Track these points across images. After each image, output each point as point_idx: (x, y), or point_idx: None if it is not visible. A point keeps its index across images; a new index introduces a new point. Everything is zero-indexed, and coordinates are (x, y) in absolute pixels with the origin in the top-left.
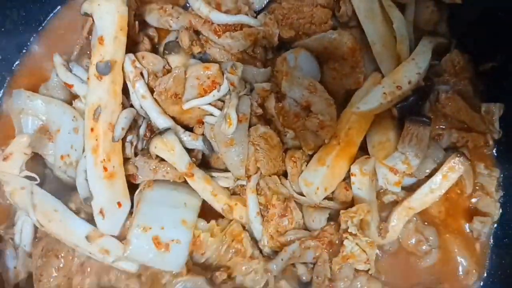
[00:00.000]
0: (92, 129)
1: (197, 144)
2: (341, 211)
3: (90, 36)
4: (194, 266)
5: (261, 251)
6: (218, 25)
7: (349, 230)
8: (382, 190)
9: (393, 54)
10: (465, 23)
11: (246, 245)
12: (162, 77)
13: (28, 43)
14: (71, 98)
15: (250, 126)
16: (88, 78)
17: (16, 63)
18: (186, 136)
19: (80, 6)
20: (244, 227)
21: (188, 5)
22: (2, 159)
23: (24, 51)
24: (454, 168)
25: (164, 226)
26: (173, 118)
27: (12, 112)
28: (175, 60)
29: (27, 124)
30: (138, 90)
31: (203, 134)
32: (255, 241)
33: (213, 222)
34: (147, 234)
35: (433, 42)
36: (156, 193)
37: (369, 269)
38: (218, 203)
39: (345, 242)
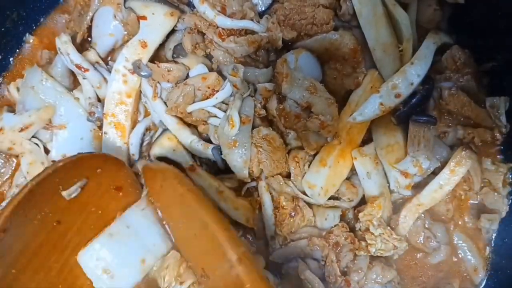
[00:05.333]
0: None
1: (207, 153)
2: (359, 215)
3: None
4: None
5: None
6: (223, 29)
7: (372, 232)
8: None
9: (394, 59)
10: (467, 22)
11: None
12: (172, 91)
13: (27, 43)
14: (73, 87)
15: (253, 128)
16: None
17: (14, 61)
18: (199, 146)
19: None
20: None
21: (191, 0)
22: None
23: (23, 50)
24: (461, 162)
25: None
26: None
27: (23, 86)
28: (184, 62)
29: (31, 103)
30: (158, 105)
31: (212, 143)
32: None
33: None
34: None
35: (437, 43)
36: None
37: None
38: (225, 203)
39: (370, 241)
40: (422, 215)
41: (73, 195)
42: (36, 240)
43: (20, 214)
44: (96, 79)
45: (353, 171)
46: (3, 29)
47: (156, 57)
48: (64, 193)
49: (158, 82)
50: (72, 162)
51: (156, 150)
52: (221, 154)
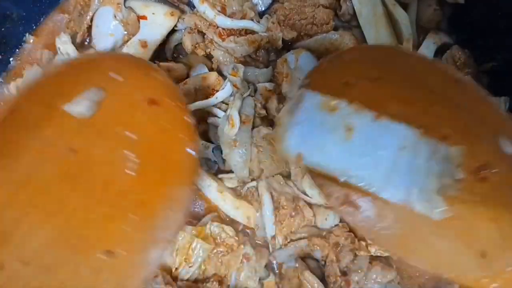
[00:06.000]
0: None
1: (207, 153)
2: None
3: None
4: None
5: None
6: (223, 28)
7: None
8: None
9: None
10: (467, 22)
11: (232, 240)
12: None
13: (27, 43)
14: None
15: (253, 127)
16: None
17: (14, 61)
18: (199, 145)
19: None
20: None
21: (191, 0)
22: None
23: (23, 50)
24: None
25: None
26: None
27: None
28: (184, 61)
29: None
30: None
31: (213, 143)
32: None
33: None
34: None
35: (437, 43)
36: None
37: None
38: (225, 202)
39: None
40: None
41: (83, 111)
42: (41, 173)
43: (4, 140)
44: None
45: None
46: (3, 29)
47: (156, 57)
48: (66, 108)
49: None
50: (71, 66)
51: None
52: (222, 154)
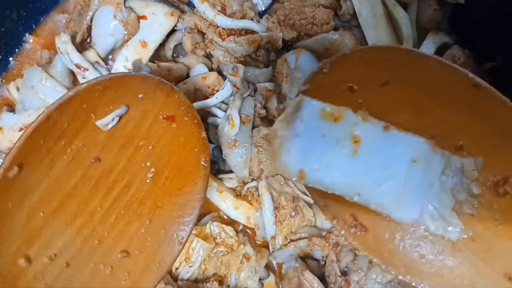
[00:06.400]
0: None
1: None
2: None
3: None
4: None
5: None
6: (223, 28)
7: None
8: None
9: None
10: (467, 22)
11: (232, 240)
12: None
13: (27, 43)
14: (73, 87)
15: (253, 127)
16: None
17: (14, 61)
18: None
19: None
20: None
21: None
22: None
23: (23, 50)
24: None
25: None
26: None
27: (23, 86)
28: (184, 61)
29: (31, 102)
30: None
31: (213, 143)
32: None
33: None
34: None
35: (437, 43)
36: None
37: None
38: (225, 203)
39: None
40: None
41: (110, 126)
42: (69, 179)
43: (39, 146)
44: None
45: None
46: (3, 29)
47: (156, 57)
48: (98, 123)
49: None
50: (102, 85)
51: None
52: (222, 154)
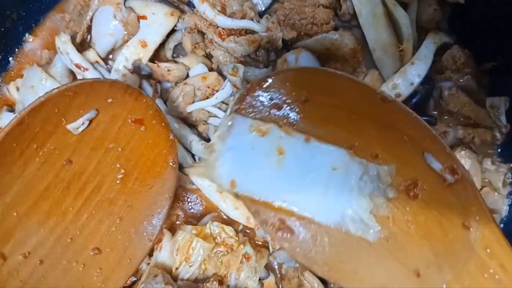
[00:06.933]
0: None
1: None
2: None
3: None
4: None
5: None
6: (223, 28)
7: None
8: None
9: (394, 59)
10: (467, 22)
11: (232, 240)
12: (172, 90)
13: (27, 43)
14: None
15: None
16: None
17: (14, 61)
18: (199, 146)
19: None
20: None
21: (191, 0)
22: None
23: (23, 50)
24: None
25: None
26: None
27: (22, 86)
28: (184, 62)
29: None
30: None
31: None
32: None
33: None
34: None
35: (437, 43)
36: None
37: None
38: (225, 203)
39: None
40: None
41: (80, 129)
42: (42, 181)
43: (12, 149)
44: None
45: None
46: (3, 29)
47: (156, 57)
48: (69, 127)
49: (158, 81)
50: (72, 91)
51: None
52: None
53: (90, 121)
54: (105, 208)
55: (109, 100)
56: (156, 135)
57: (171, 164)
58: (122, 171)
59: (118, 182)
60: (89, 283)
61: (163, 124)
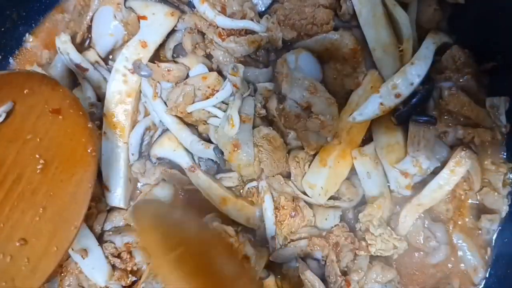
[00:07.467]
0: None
1: (208, 153)
2: (359, 215)
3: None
4: None
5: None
6: (223, 29)
7: (372, 232)
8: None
9: (394, 59)
10: (467, 22)
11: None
12: (172, 91)
13: (27, 43)
14: (73, 86)
15: (254, 127)
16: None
17: (14, 61)
18: (199, 146)
19: None
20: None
21: (191, 0)
22: None
23: (23, 50)
24: (461, 162)
25: None
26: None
27: None
28: (184, 62)
29: None
30: (158, 105)
31: (213, 143)
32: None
33: None
34: None
35: (437, 43)
36: None
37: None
38: (225, 203)
39: (370, 241)
40: (422, 215)
41: None
42: None
43: None
44: (96, 79)
45: (353, 171)
46: (3, 29)
47: (156, 57)
48: None
49: (158, 82)
50: None
51: (156, 150)
52: (223, 154)
53: (8, 113)
54: (27, 198)
55: (25, 91)
56: (74, 124)
57: (90, 152)
58: (42, 161)
59: (38, 172)
60: (18, 274)
61: (80, 112)
